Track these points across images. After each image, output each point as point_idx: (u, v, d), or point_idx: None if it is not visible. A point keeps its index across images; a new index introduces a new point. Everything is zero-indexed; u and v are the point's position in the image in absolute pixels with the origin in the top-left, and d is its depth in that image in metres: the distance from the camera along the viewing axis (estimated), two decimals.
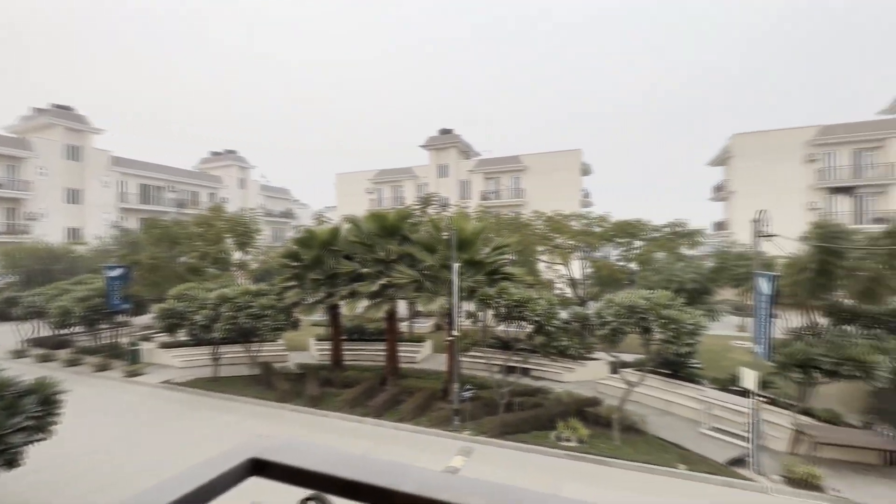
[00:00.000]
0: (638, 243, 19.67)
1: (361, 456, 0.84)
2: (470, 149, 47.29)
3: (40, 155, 36.48)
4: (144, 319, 25.20)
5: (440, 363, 19.49)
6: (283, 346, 20.99)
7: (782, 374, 11.16)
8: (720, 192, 39.23)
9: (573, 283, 20.72)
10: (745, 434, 10.84)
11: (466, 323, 15.29)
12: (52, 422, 7.52)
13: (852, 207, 32.23)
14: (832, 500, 9.20)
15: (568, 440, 11.63)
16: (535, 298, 12.59)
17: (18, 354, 20.89)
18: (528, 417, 12.77)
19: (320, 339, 21.52)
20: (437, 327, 28.06)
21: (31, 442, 7.14)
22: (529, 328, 13.48)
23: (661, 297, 11.06)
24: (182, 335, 18.64)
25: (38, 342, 22.19)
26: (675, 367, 15.07)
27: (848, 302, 11.86)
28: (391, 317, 16.26)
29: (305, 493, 0.81)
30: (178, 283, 18.25)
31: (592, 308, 13.33)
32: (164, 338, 19.78)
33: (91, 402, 14.91)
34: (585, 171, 42.07)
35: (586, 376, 17.33)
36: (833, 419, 11.47)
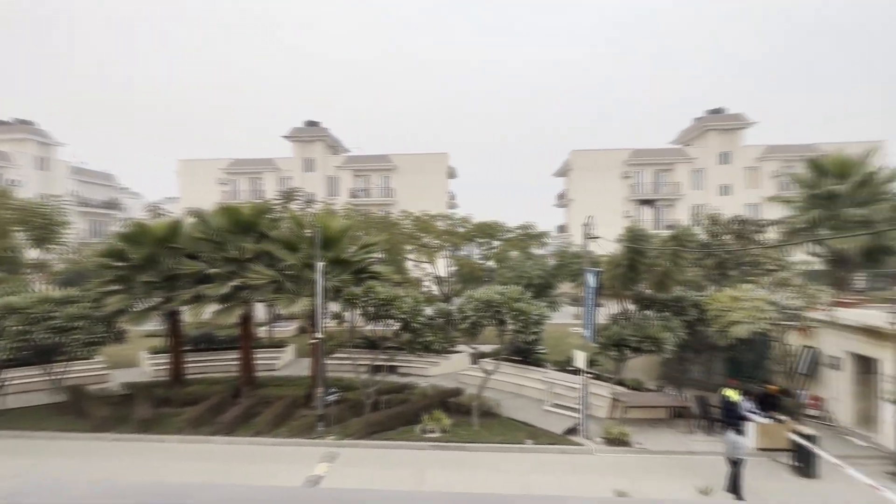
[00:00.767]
0: (496, 243, 21.51)
1: (146, 483, 0.73)
2: (339, 144, 45.77)
3: None
4: None
5: (304, 368, 18.46)
6: (102, 363, 17.41)
7: (604, 353, 13.43)
8: (562, 199, 45.31)
9: (439, 280, 21.65)
10: (577, 406, 12.73)
11: (332, 324, 14.75)
12: None
13: (653, 216, 40.41)
14: (636, 451, 11.40)
15: (432, 431, 12.11)
16: (401, 297, 12.79)
17: None
18: (395, 414, 12.92)
19: (156, 351, 18.44)
20: (302, 330, 26.50)
21: None
22: (396, 326, 13.65)
23: (512, 292, 12.27)
24: None
25: None
26: (525, 354, 16.89)
27: (648, 291, 14.86)
28: (246, 321, 14.78)
29: None
30: None
31: (455, 304, 14.13)
32: None
33: None
34: (451, 174, 44.32)
35: (450, 369, 18.30)
36: (638, 386, 14.23)
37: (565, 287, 20.14)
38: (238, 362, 15.18)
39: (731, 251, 14.37)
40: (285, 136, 42.34)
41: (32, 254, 19.00)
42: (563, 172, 44.90)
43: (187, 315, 14.48)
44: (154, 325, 17.02)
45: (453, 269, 21.58)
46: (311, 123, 43.64)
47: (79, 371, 15.75)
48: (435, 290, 22.37)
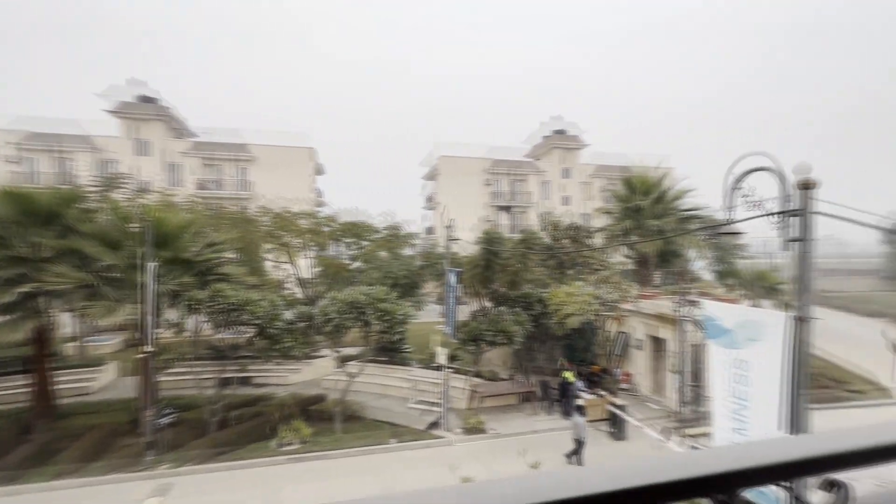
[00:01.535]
0: (364, 243, 21.18)
1: None
2: (184, 126, 39.81)
3: None
4: None
5: (131, 389, 15.58)
6: None
7: (463, 348, 14.30)
8: (430, 202, 46.98)
9: (302, 282, 20.43)
10: (439, 401, 13.29)
11: (169, 334, 12.71)
12: None
13: (510, 221, 44.63)
14: (490, 437, 12.40)
15: (290, 444, 11.34)
16: (256, 300, 11.69)
17: None
18: (246, 430, 11.75)
19: None
20: (130, 344, 22.29)
21: None
22: (250, 333, 12.44)
23: (378, 292, 12.23)
24: None
25: None
26: (391, 354, 16.99)
27: (502, 289, 16.34)
28: (41, 337, 11.80)
29: None
30: None
31: (319, 307, 13.48)
32: None
33: None
34: (319, 170, 42.29)
35: (313, 375, 17.39)
36: (493, 377, 15.52)
37: (431, 286, 20.91)
38: (29, 389, 12.03)
39: (567, 253, 16.69)
40: (111, 111, 35.08)
41: None
42: (431, 176, 46.58)
43: None
44: None
45: (318, 269, 20.58)
46: (147, 99, 37.06)
47: None
48: (298, 292, 21.02)
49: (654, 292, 16.90)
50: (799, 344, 3.70)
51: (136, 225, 10.71)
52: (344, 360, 15.52)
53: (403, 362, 16.95)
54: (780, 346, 3.89)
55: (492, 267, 14.82)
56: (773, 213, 3.92)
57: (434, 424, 12.97)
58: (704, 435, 10.44)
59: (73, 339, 19.92)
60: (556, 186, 45.46)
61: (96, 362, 16.93)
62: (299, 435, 11.49)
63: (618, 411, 12.16)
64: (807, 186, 3.68)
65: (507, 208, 44.46)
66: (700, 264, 31.66)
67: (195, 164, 36.84)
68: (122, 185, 15.40)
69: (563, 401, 13.42)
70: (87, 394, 15.26)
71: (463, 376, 14.90)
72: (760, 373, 4.02)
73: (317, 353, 17.68)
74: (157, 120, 36.11)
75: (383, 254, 21.07)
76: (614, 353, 16.39)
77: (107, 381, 16.66)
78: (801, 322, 3.73)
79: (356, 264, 21.61)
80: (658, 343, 15.14)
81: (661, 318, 14.37)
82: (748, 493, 0.97)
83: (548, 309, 14.53)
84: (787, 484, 1.08)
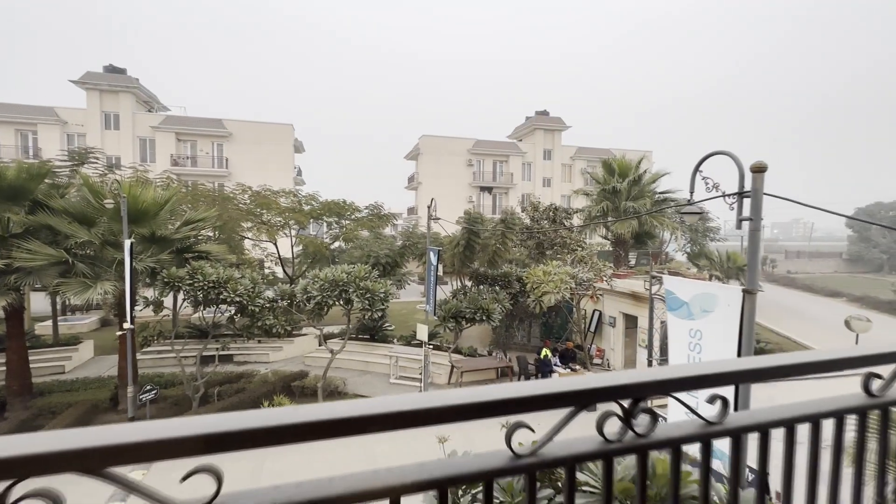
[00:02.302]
0: (345, 223, 21.14)
1: None
2: (155, 100, 38.27)
3: None
4: None
5: (108, 367, 15.49)
6: None
7: (444, 325, 14.66)
8: (412, 182, 46.73)
9: (282, 261, 20.36)
10: (420, 376, 13.68)
11: (148, 312, 12.62)
12: None
13: (492, 202, 44.88)
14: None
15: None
16: (236, 278, 11.70)
17: None
18: (229, 405, 11.92)
19: None
20: (105, 323, 21.95)
21: None
22: (231, 311, 12.48)
23: (359, 271, 12.37)
24: None
25: None
26: (373, 332, 17.28)
27: (482, 269, 16.67)
28: (15, 315, 11.59)
29: None
30: None
31: (300, 285, 13.56)
32: None
33: None
34: (298, 147, 41.44)
35: (294, 353, 17.57)
36: (472, 353, 15.98)
37: (413, 266, 21.13)
38: (4, 368, 11.86)
39: (545, 233, 17.09)
40: (76, 82, 33.36)
41: None
42: (413, 156, 46.19)
43: None
44: None
45: (298, 248, 20.51)
46: (115, 70, 35.37)
47: None
48: (277, 271, 20.95)
49: (628, 272, 17.52)
50: (746, 314, 4.08)
51: (111, 201, 10.49)
52: (326, 337, 15.74)
53: (385, 339, 17.26)
54: (730, 316, 4.27)
55: (472, 247, 15.09)
56: (727, 195, 4.25)
57: (402, 378, 13.39)
58: (665, 405, 11.15)
59: (45, 318, 19.48)
60: (538, 168, 45.76)
61: (71, 341, 16.68)
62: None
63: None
64: (758, 170, 3.99)
65: (488, 189, 44.64)
66: (674, 246, 32.72)
67: (168, 140, 35.61)
68: (93, 161, 14.92)
69: (539, 375, 13.98)
70: (62, 372, 15.09)
71: (443, 353, 15.31)
72: (712, 341, 4.41)
73: (298, 332, 17.82)
74: (126, 92, 34.59)
75: (364, 233, 21.11)
76: (588, 331, 17.05)
77: (82, 360, 16.47)
78: (748, 294, 4.10)
79: (337, 244, 21.61)
80: (630, 320, 15.80)
81: (633, 296, 14.98)
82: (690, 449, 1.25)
83: (526, 288, 14.95)
84: (678, 396, 1.36)
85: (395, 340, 17.23)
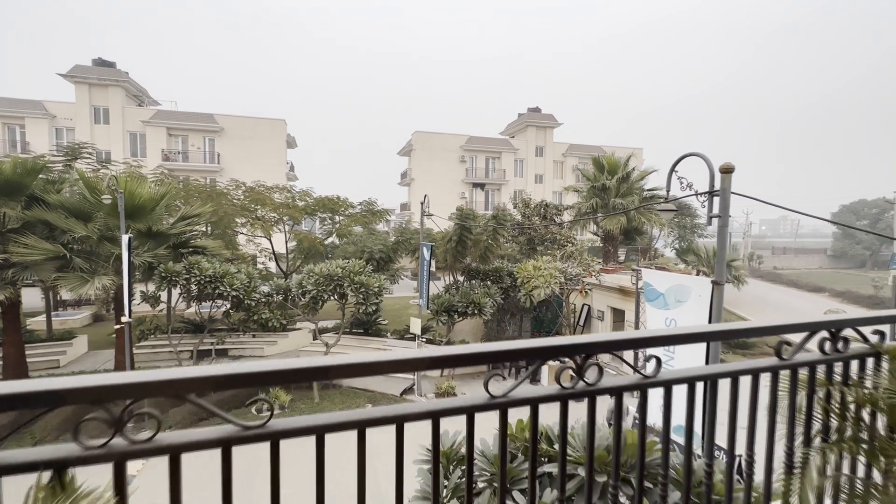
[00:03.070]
0: (339, 218, 21.33)
1: None
2: (145, 94, 37.93)
3: None
4: None
5: (103, 362, 15.60)
6: None
7: (436, 319, 14.96)
8: (405, 178, 46.86)
9: (276, 256, 20.51)
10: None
11: (145, 307, 12.77)
12: None
13: (484, 198, 45.18)
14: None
15: (269, 410, 11.83)
16: (233, 273, 11.89)
17: None
18: (226, 398, 12.12)
19: None
20: (97, 318, 21.95)
21: None
22: (226, 305, 12.67)
23: (354, 266, 12.63)
24: None
25: None
26: (367, 326, 17.54)
27: (474, 264, 17.00)
28: (11, 309, 11.69)
29: None
30: None
31: (295, 280, 13.78)
32: None
33: None
34: (291, 143, 41.35)
35: (289, 346, 17.79)
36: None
37: (405, 261, 21.40)
38: (2, 361, 11.96)
39: (536, 229, 17.44)
40: (65, 75, 32.97)
41: None
42: (406, 152, 46.30)
43: None
44: None
45: (293, 244, 20.67)
46: (104, 63, 35.00)
47: None
48: (271, 266, 21.10)
49: (616, 267, 17.95)
50: (714, 303, 4.42)
51: (108, 197, 10.62)
52: (320, 331, 15.99)
53: (378, 334, 17.54)
54: (702, 305, 4.61)
55: (464, 242, 15.40)
56: (698, 194, 4.58)
57: (408, 390, 13.71)
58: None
59: (35, 314, 19.47)
60: (530, 165, 46.12)
61: (65, 336, 16.74)
62: (278, 401, 11.98)
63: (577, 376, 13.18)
64: (726, 171, 4.32)
65: (481, 185, 44.92)
66: (662, 242, 33.31)
67: (159, 135, 35.39)
68: (86, 156, 14.96)
69: (528, 366, 14.38)
70: (57, 367, 15.18)
71: (436, 346, 15.63)
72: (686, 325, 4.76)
73: (293, 326, 18.03)
74: (116, 86, 34.27)
75: (358, 229, 21.31)
76: (578, 324, 17.47)
77: (77, 355, 16.54)
78: (717, 285, 4.44)
79: (331, 239, 21.80)
80: (618, 314, 16.24)
81: (621, 290, 15.40)
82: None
83: (517, 283, 15.30)
84: (619, 354, 1.67)
85: (388, 334, 17.52)
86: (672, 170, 4.82)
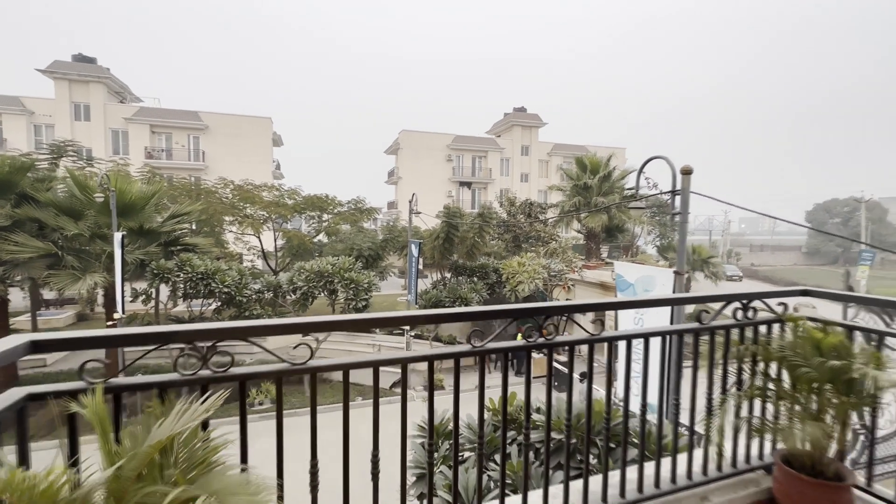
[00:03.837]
0: (327, 216, 21.55)
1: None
2: (127, 90, 37.39)
3: None
4: None
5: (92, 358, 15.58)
6: None
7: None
8: (392, 176, 47.07)
9: (265, 254, 20.64)
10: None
11: (135, 304, 12.87)
12: None
13: (471, 197, 45.67)
14: (448, 392, 13.63)
15: (261, 404, 12.10)
16: (224, 270, 12.10)
17: None
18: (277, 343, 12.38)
19: None
20: (81, 317, 21.78)
21: None
22: (217, 303, 12.87)
23: (344, 263, 12.95)
24: None
25: None
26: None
27: (461, 261, 17.45)
28: (0, 306, 11.72)
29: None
30: None
31: (285, 277, 14.02)
32: None
33: None
34: (277, 141, 41.21)
35: (279, 343, 17.91)
36: (451, 340, 16.75)
37: (393, 259, 21.73)
38: None
39: (521, 227, 17.96)
40: (44, 71, 32.32)
41: None
42: (393, 151, 46.51)
43: None
44: None
45: (281, 242, 20.83)
46: (85, 59, 34.40)
47: None
48: (259, 264, 21.22)
49: (598, 263, 18.59)
50: (676, 291, 4.92)
51: (100, 195, 10.73)
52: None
53: (367, 330, 17.86)
54: (665, 294, 5.11)
55: (451, 240, 15.83)
56: (662, 193, 5.06)
57: (397, 384, 14.09)
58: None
59: (18, 314, 19.26)
60: (515, 163, 46.77)
61: None
62: (270, 395, 12.25)
63: (560, 367, 13.73)
64: (686, 173, 4.82)
65: (467, 184, 45.41)
66: (643, 239, 34.25)
67: (142, 132, 34.95)
68: (71, 154, 14.93)
69: (515, 361, 14.88)
70: (44, 366, 15.14)
71: (424, 341, 16.03)
72: (651, 313, 5.24)
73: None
74: (97, 82, 33.73)
75: (346, 227, 21.56)
76: (560, 319, 18.05)
77: (63, 353, 16.48)
78: (678, 275, 4.94)
79: (319, 237, 22.01)
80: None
81: (602, 285, 16.01)
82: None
83: (502, 278, 15.80)
84: (571, 317, 2.10)
85: (377, 330, 17.85)
86: (640, 171, 5.31)
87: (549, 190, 29.81)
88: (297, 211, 20.38)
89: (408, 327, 14.10)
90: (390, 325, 1.76)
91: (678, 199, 4.89)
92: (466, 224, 16.18)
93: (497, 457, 3.63)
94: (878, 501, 2.12)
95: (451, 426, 4.24)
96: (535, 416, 3.69)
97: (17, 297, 18.34)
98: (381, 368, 1.69)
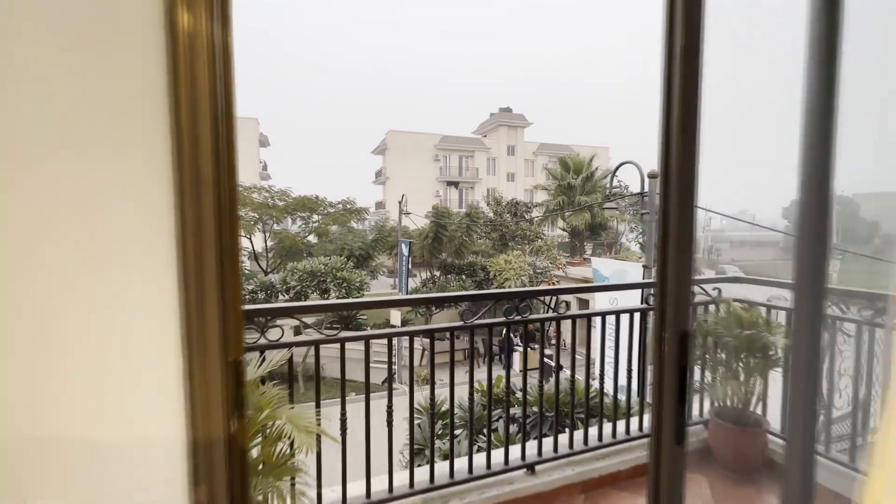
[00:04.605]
0: (317, 217, 21.81)
1: None
2: None
3: None
4: None
5: None
6: None
7: (414, 311, 15.82)
8: (379, 177, 47.33)
9: (256, 255, 20.83)
10: (393, 358, 14.82)
11: None
12: None
13: (459, 196, 46.17)
14: (439, 386, 14.15)
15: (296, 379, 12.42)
16: None
17: None
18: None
19: None
20: None
21: None
22: None
23: (336, 262, 13.32)
24: None
25: None
26: (347, 321, 18.19)
27: (449, 259, 17.94)
28: None
29: None
30: None
31: (278, 277, 14.32)
32: None
33: None
34: (263, 142, 41.15)
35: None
36: (441, 337, 17.27)
37: (383, 258, 22.11)
38: None
39: (507, 226, 18.53)
40: None
41: None
42: (380, 151, 46.77)
43: None
44: None
45: (272, 243, 21.04)
46: None
47: None
48: (249, 265, 21.37)
49: (582, 260, 19.27)
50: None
51: None
52: (304, 327, 16.57)
53: (359, 328, 18.23)
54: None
55: (440, 239, 16.31)
56: (631, 195, 5.60)
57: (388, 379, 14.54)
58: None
59: None
60: (502, 163, 47.43)
61: None
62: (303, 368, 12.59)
63: (548, 361, 14.34)
64: (652, 177, 5.36)
65: (455, 184, 45.93)
66: (630, 236, 35.18)
67: None
68: None
69: (502, 354, 15.44)
70: None
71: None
72: (623, 303, 5.78)
73: (273, 323, 18.46)
74: None
75: (335, 227, 21.84)
76: (533, 301, 18.67)
77: None
78: (646, 269, 5.49)
79: (310, 238, 22.26)
80: (583, 304, 17.50)
81: (585, 281, 16.65)
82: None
83: (490, 276, 16.33)
84: (542, 299, 2.60)
85: (368, 328, 18.24)
86: (612, 175, 5.84)
87: (535, 189, 30.49)
88: (288, 212, 20.62)
89: (398, 323, 14.51)
90: (387, 306, 2.22)
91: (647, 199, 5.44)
92: (454, 223, 16.67)
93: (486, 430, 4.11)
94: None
95: (445, 407, 4.72)
96: (519, 395, 4.18)
97: None
98: (371, 366, 2.15)
